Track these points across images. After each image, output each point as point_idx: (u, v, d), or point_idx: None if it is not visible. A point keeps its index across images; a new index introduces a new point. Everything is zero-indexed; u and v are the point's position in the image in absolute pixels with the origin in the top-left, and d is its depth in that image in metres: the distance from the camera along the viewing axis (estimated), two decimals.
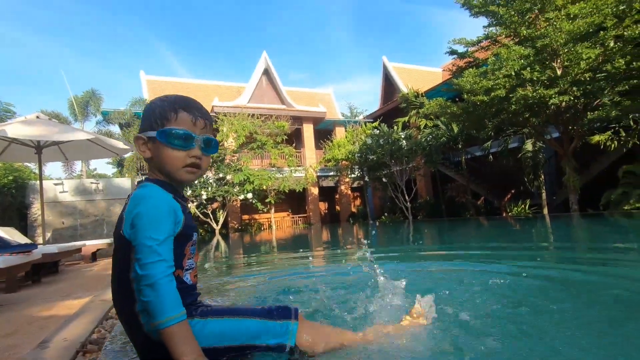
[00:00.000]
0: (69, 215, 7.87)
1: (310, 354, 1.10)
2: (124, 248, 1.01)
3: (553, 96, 8.98)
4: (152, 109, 1.11)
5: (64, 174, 18.91)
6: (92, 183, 8.16)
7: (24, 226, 7.78)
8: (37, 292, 3.11)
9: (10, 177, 7.92)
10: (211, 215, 15.88)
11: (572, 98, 9.08)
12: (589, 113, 9.43)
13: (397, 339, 1.20)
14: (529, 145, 12.50)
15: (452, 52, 12.15)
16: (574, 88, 8.94)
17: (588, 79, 8.83)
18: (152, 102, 1.13)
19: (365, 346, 1.16)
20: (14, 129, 4.52)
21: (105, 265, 5.41)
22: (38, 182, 6.42)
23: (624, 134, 9.57)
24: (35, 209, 7.81)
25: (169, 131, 1.05)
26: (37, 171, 9.70)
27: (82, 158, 14.61)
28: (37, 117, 5.31)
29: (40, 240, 6.37)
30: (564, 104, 9.31)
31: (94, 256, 6.03)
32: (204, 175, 15.14)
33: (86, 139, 5.40)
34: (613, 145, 9.53)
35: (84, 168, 19.71)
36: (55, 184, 8.04)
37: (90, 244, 5.83)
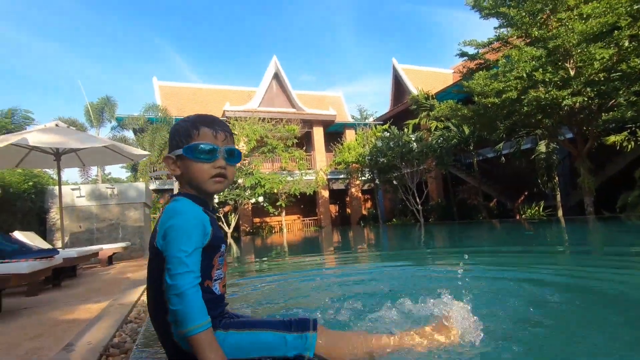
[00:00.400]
0: (86, 219, 8.07)
1: None
2: (157, 259, 1.07)
3: (566, 97, 8.85)
4: (176, 130, 1.20)
5: (80, 179, 19.34)
6: (107, 188, 8.35)
7: (43, 230, 7.99)
8: (57, 295, 3.22)
9: (30, 183, 8.15)
10: (223, 219, 16.06)
11: (586, 99, 8.94)
12: (603, 114, 9.26)
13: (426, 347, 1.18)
14: (542, 147, 12.31)
15: (463, 54, 12.09)
16: (588, 89, 8.80)
17: (602, 79, 8.68)
18: (176, 124, 1.23)
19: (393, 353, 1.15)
20: (34, 137, 4.68)
21: (121, 268, 5.54)
22: (56, 187, 6.61)
23: None
24: (54, 213, 8.03)
25: (194, 146, 1.13)
26: (55, 176, 9.98)
27: (99, 164, 14.93)
28: (56, 125, 5.48)
29: (59, 244, 6.55)
30: (577, 104, 9.16)
31: (110, 260, 6.18)
32: None
33: (102, 146, 5.55)
34: (629, 146, 9.33)
35: (99, 173, 20.13)
36: (73, 189, 8.25)
37: (107, 248, 5.97)
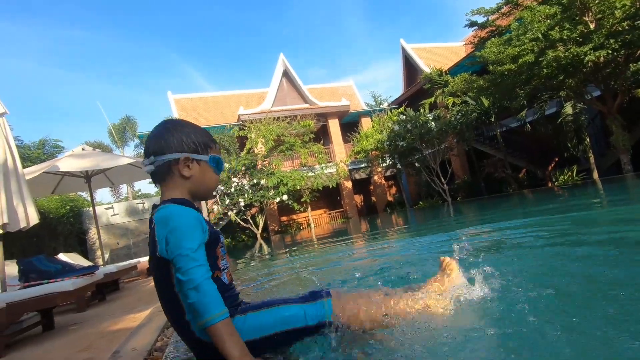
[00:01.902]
0: (122, 235, 8.43)
1: (354, 326, 1.19)
2: (163, 269, 1.11)
3: (588, 53, 8.38)
4: (189, 134, 1.26)
5: (112, 198, 20.22)
6: (138, 203, 8.69)
7: (84, 250, 8.41)
8: (103, 309, 3.40)
9: (67, 207, 8.59)
10: (251, 221, 16.35)
11: (610, 51, 8.43)
12: (631, 65, 8.71)
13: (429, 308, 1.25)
14: (568, 109, 11.73)
15: (472, 24, 11.67)
16: (611, 40, 8.29)
17: (626, 27, 8.15)
18: (182, 127, 1.27)
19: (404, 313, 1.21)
20: (65, 163, 4.93)
21: None
22: (91, 208, 6.94)
23: None
24: (92, 233, 8.44)
25: (219, 159, 1.31)
26: (89, 199, 10.47)
27: (127, 181, 15.53)
28: (83, 149, 5.74)
29: (100, 261, 6.89)
30: (602, 59, 8.66)
31: (149, 271, 6.44)
32: (240, 183, 15.62)
33: (128, 164, 5.77)
34: None
35: (130, 190, 20.95)
36: (106, 208, 8.64)
37: (145, 261, 6.23)
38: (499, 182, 15.00)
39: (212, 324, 1.00)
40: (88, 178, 6.01)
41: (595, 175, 11.68)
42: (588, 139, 12.00)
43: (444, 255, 1.50)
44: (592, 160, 11.94)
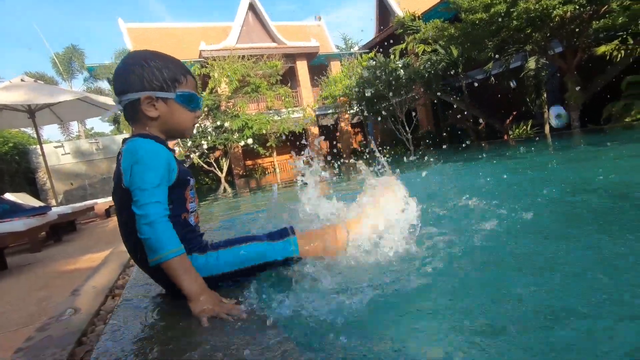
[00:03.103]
0: (75, 176, 8.03)
1: (313, 256, 1.32)
2: (128, 201, 1.08)
3: (557, 6, 8.42)
4: (153, 69, 1.14)
5: (62, 136, 18.82)
6: (91, 143, 8.19)
7: (35, 191, 7.98)
8: (59, 250, 3.33)
9: (10, 144, 7.94)
10: (215, 164, 16.06)
11: (577, 7, 8.52)
12: (594, 22, 8.90)
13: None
14: (531, 63, 12.00)
15: None
16: None
17: None
18: (147, 63, 1.15)
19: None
20: (2, 95, 4.45)
21: None
22: (38, 146, 6.46)
23: (631, 42, 9.11)
24: (42, 173, 7.95)
25: (189, 95, 1.18)
26: (35, 135, 9.68)
27: (77, 118, 14.40)
28: (22, 80, 5.18)
29: (53, 202, 6.60)
30: (568, 14, 8.75)
31: (108, 213, 6.28)
32: (202, 125, 15.02)
33: (76, 99, 5.32)
34: (619, 55, 9.12)
35: (81, 128, 19.54)
36: (56, 147, 8.08)
37: (102, 202, 6.04)
38: (460, 132, 15.54)
39: (165, 259, 1.01)
40: (31, 113, 5.51)
41: (547, 129, 12.38)
42: (545, 95, 12.50)
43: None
44: (545, 115, 12.56)
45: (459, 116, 15.73)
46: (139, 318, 1.13)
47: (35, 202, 4.91)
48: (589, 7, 8.82)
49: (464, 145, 13.76)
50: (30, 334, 1.16)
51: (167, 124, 1.18)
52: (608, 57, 9.24)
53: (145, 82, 1.13)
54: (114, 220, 5.72)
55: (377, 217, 1.43)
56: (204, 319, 0.98)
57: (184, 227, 1.15)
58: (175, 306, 1.20)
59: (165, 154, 1.11)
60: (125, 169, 1.07)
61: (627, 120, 9.08)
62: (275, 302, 1.08)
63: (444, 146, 14.27)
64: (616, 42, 9.13)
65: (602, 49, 9.07)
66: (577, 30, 9.57)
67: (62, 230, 4.26)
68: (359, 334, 0.89)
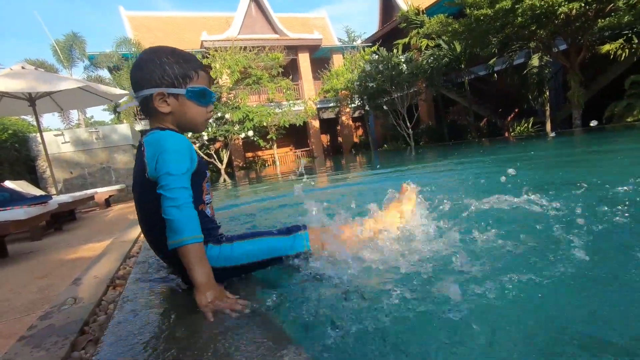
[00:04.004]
0: (75, 165, 8.02)
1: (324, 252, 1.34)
2: (151, 193, 1.10)
3: (562, 4, 8.35)
4: (165, 66, 1.17)
5: (62, 125, 18.76)
6: (91, 132, 8.16)
7: (35, 179, 7.97)
8: (60, 239, 3.34)
9: (10, 132, 7.91)
10: (215, 155, 16.04)
11: (582, 4, 8.45)
12: (599, 20, 8.83)
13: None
14: (535, 60, 11.93)
15: None
16: None
17: None
18: (160, 59, 1.18)
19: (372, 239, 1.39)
20: (2, 83, 4.43)
21: (119, 210, 5.68)
22: (38, 134, 6.44)
23: (636, 41, 9.06)
24: (42, 161, 7.94)
25: (200, 91, 1.20)
26: (34, 123, 9.66)
27: (77, 107, 14.35)
28: (23, 67, 5.14)
29: (53, 191, 6.60)
30: (574, 11, 8.68)
31: (108, 202, 6.29)
32: None
33: (78, 87, 5.29)
34: (624, 54, 9.08)
35: (82, 117, 19.46)
36: (56, 135, 8.05)
37: (102, 191, 6.04)
38: (461, 129, 15.51)
39: (184, 244, 1.03)
40: (32, 101, 5.48)
41: (548, 127, 12.36)
42: (548, 92, 12.45)
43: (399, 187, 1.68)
44: (548, 113, 12.53)
45: (460, 113, 15.69)
46: (141, 311, 1.14)
47: (36, 191, 4.91)
48: (594, 5, 8.75)
49: (464, 140, 13.75)
50: (32, 322, 1.17)
51: (180, 119, 1.21)
52: (612, 56, 9.19)
53: (156, 79, 1.16)
54: (114, 210, 5.73)
55: (395, 221, 1.50)
56: (208, 313, 1.00)
57: (202, 218, 1.17)
58: (180, 300, 1.22)
59: (188, 144, 1.15)
60: (150, 159, 1.09)
61: (629, 120, 9.06)
62: (279, 299, 1.09)
63: (450, 142, 14.19)
64: (621, 40, 9.08)
65: (606, 47, 9.02)
66: (582, 28, 9.50)
67: (63, 219, 4.27)
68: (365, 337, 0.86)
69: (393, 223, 1.49)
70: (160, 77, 1.16)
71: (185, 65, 1.19)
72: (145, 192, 1.15)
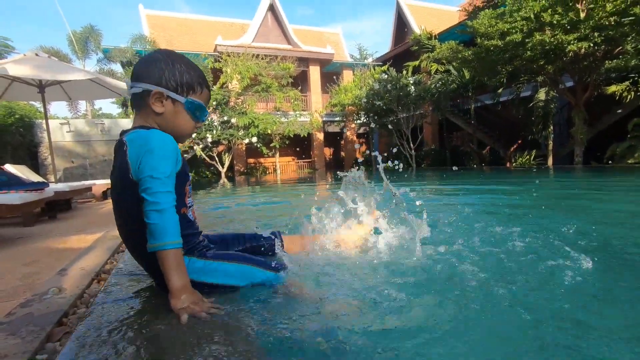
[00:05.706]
0: (77, 155, 8.05)
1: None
2: (133, 190, 1.09)
3: (572, 42, 8.49)
4: (174, 70, 1.18)
5: (69, 114, 18.86)
6: (97, 123, 8.22)
7: (35, 165, 7.99)
8: (52, 227, 3.33)
9: (17, 116, 7.97)
10: (217, 158, 16.09)
11: (592, 44, 8.59)
12: (607, 62, 8.98)
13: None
14: (541, 94, 12.07)
15: None
16: (596, 34, 8.41)
17: (612, 23, 8.26)
18: (173, 63, 1.20)
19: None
20: (15, 68, 4.49)
21: None
22: (44, 121, 6.49)
23: None
24: (44, 148, 7.97)
25: (199, 105, 1.23)
26: (42, 109, 9.74)
27: (86, 98, 14.48)
28: (36, 54, 5.22)
29: (51, 178, 6.61)
30: (582, 50, 8.82)
31: (105, 195, 6.29)
32: (209, 118, 15.07)
33: (88, 79, 5.36)
34: (629, 97, 9.19)
35: (89, 107, 19.60)
36: (62, 124, 8.11)
37: (100, 183, 6.05)
38: (464, 155, 15.57)
39: (164, 249, 1.03)
40: (42, 88, 5.54)
41: (550, 161, 12.41)
42: (552, 127, 12.55)
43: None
44: (550, 147, 12.60)
45: (464, 139, 15.78)
46: (119, 308, 1.14)
47: (35, 177, 4.92)
48: (603, 46, 8.90)
49: (462, 167, 13.79)
50: (11, 308, 1.17)
51: (167, 124, 1.21)
52: (618, 97, 9.31)
53: (163, 79, 1.17)
54: (109, 203, 5.72)
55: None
56: (183, 316, 0.99)
57: (184, 223, 1.16)
58: (157, 300, 1.21)
59: (175, 146, 1.14)
60: (134, 159, 1.08)
61: (629, 161, 9.10)
62: (256, 305, 1.09)
63: (454, 168, 14.18)
64: (627, 83, 9.20)
65: (612, 88, 9.14)
66: (589, 67, 9.65)
67: (58, 207, 4.27)
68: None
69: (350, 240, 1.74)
70: (168, 78, 1.18)
71: (195, 78, 1.22)
72: (126, 193, 1.12)
